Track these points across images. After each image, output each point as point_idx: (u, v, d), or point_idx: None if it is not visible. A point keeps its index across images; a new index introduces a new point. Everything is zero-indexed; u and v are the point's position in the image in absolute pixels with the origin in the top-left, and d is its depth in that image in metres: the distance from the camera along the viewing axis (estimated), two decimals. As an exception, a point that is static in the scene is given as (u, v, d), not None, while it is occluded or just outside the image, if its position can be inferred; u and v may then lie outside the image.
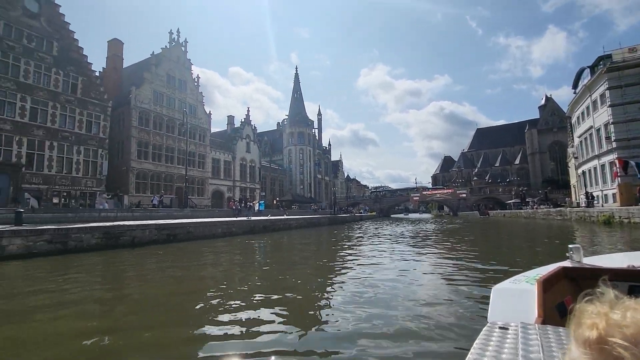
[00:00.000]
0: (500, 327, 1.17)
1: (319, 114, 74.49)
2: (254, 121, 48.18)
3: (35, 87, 23.28)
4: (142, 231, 15.54)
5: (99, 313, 5.57)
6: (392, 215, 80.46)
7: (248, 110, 47.94)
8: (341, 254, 12.87)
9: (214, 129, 52.83)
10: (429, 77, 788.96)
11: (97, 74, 28.36)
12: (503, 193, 68.12)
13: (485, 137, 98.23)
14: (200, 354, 3.66)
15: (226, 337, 4.14)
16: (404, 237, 18.53)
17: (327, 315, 4.98)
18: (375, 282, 6.82)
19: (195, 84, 37.44)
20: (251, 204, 28.00)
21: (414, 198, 74.64)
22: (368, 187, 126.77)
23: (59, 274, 8.64)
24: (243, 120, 47.01)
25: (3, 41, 21.71)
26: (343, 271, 8.72)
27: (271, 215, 29.38)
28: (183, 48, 36.35)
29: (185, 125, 29.67)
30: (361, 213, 62.26)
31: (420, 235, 20.22)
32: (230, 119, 49.79)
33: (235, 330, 4.31)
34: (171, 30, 35.31)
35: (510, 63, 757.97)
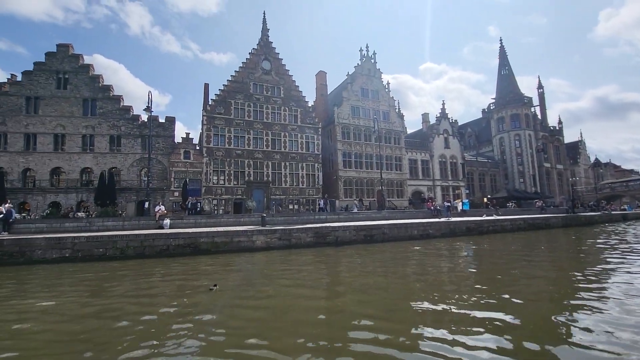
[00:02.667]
0: None
1: (539, 87, 59.29)
2: (451, 114, 44.68)
3: (273, 124, 31.60)
4: (344, 232, 17.46)
5: (325, 294, 7.41)
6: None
7: (443, 104, 44.90)
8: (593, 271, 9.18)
9: (410, 130, 53.16)
10: None
11: (310, 103, 35.00)
12: None
13: None
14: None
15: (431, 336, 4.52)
16: None
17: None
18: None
19: (386, 90, 39.00)
20: (449, 203, 25.61)
21: None
22: (637, 172, 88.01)
23: (289, 262, 11.80)
24: (438, 116, 44.43)
25: (253, 96, 31.01)
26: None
27: (486, 215, 25.82)
28: (372, 60, 38.89)
29: (378, 132, 31.30)
30: (625, 210, 43.94)
31: None
32: (425, 116, 48.31)
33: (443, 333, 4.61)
34: (361, 47, 38.71)
35: None
